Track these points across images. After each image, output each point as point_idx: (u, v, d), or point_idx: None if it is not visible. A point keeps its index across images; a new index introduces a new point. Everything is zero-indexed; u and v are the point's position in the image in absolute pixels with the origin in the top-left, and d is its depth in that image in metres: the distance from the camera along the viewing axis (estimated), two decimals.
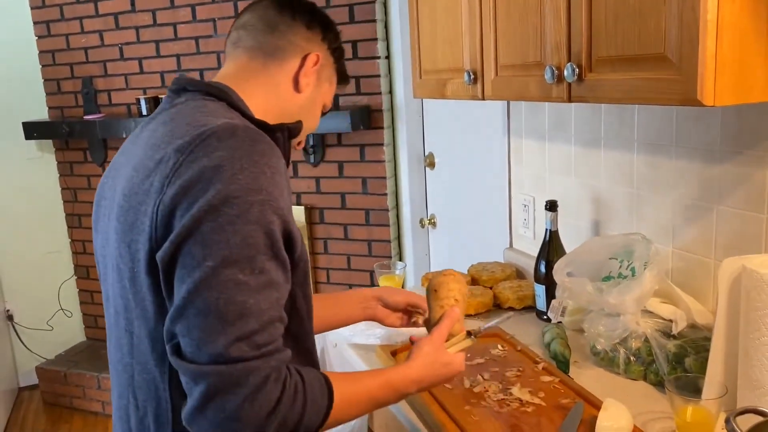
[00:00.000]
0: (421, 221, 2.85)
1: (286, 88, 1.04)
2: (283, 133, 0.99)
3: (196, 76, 3.02)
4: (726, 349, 1.17)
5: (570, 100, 1.22)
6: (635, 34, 1.04)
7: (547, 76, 1.22)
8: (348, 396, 0.92)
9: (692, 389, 1.12)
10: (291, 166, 3.02)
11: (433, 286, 1.18)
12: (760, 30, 0.95)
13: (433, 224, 2.83)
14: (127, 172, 0.94)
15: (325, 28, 1.08)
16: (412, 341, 1.10)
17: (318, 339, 1.90)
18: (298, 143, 1.11)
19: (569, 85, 1.20)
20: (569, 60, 1.19)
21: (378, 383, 0.97)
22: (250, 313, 0.80)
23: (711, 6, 0.91)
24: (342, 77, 1.14)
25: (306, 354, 0.99)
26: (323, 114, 1.13)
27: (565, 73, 1.18)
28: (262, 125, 0.95)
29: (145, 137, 0.96)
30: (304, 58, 1.04)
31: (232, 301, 0.80)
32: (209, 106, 0.96)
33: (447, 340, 1.09)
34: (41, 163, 3.68)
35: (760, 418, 0.95)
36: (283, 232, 0.85)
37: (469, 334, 1.14)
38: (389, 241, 2.93)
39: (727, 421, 0.95)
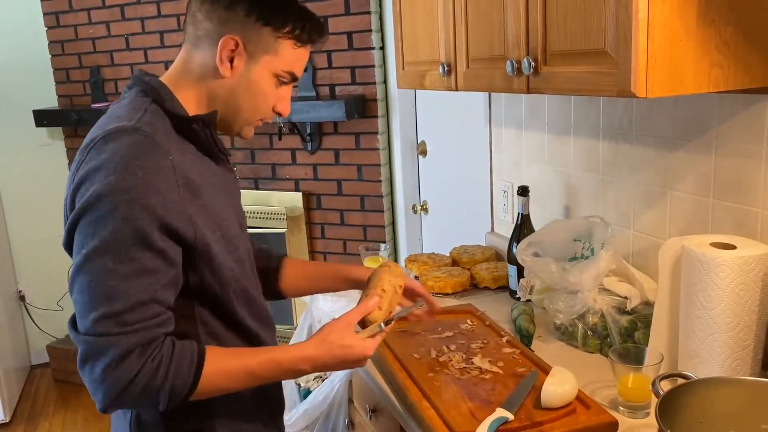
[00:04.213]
0: (413, 207, 2.95)
1: (210, 76, 1.08)
2: (198, 124, 1.07)
3: None
4: (668, 322, 1.26)
5: (529, 91, 1.31)
6: (581, 31, 1.13)
7: (508, 69, 1.32)
8: (223, 370, 1.02)
9: (637, 359, 1.22)
10: (291, 154, 3.12)
11: (370, 275, 1.24)
12: (689, 29, 1.04)
13: (425, 210, 2.92)
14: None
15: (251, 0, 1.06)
16: None
17: (306, 315, 2.02)
18: (260, 119, 1.13)
19: (527, 77, 1.29)
20: (527, 54, 1.28)
21: (260, 360, 1.05)
22: (117, 296, 0.94)
23: (642, 6, 1.00)
24: (301, 37, 1.09)
25: (227, 318, 1.10)
26: (291, 82, 1.12)
27: (523, 66, 1.27)
28: (178, 118, 1.05)
29: None
30: (220, 43, 1.05)
31: (100, 284, 0.94)
32: (135, 102, 1.05)
33: (365, 327, 1.13)
34: (52, 150, 3.81)
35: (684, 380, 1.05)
36: (158, 226, 0.95)
37: (389, 322, 1.14)
38: (383, 227, 3.03)
39: (653, 383, 1.05)
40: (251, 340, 1.15)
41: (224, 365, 1.02)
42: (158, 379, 0.96)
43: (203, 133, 1.08)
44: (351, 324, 1.11)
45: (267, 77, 1.09)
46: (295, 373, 1.09)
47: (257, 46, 1.07)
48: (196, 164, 1.06)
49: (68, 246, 0.99)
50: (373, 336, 1.11)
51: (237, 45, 1.06)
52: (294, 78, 1.13)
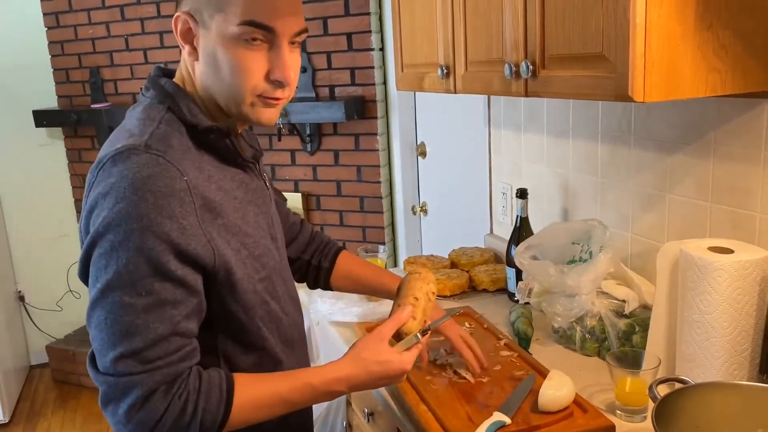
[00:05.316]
0: (413, 208, 2.95)
1: (192, 67, 1.01)
2: (215, 133, 1.00)
3: None
4: (666, 326, 1.26)
5: (527, 94, 1.30)
6: (579, 34, 1.13)
7: (506, 72, 1.31)
8: (254, 400, 0.96)
9: (634, 363, 1.22)
10: (290, 154, 3.12)
11: (400, 284, 1.18)
12: (687, 33, 1.03)
13: (425, 211, 2.92)
14: None
15: None
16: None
17: (305, 317, 2.02)
18: (258, 95, 0.98)
19: (525, 81, 1.29)
20: (525, 57, 1.28)
21: (292, 386, 0.99)
22: (136, 332, 0.88)
23: (639, 10, 1.00)
24: None
25: (254, 348, 1.04)
26: (268, 38, 0.96)
27: (521, 69, 1.27)
28: (194, 128, 0.98)
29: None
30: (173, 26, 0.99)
31: (117, 321, 0.88)
32: (150, 111, 0.99)
33: (401, 339, 1.07)
34: (51, 150, 3.81)
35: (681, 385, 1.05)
36: (175, 253, 0.90)
37: (425, 332, 1.09)
38: (383, 228, 3.04)
39: (650, 388, 1.05)
40: (275, 370, 1.09)
41: (255, 395, 0.97)
42: (186, 417, 0.91)
43: (224, 143, 1.01)
44: (385, 338, 1.05)
45: (227, 40, 0.95)
46: (331, 395, 1.03)
47: (206, 13, 0.95)
48: (217, 179, 0.99)
49: (84, 276, 0.94)
50: (409, 348, 1.06)
51: (186, 21, 0.97)
52: (263, 28, 0.94)
